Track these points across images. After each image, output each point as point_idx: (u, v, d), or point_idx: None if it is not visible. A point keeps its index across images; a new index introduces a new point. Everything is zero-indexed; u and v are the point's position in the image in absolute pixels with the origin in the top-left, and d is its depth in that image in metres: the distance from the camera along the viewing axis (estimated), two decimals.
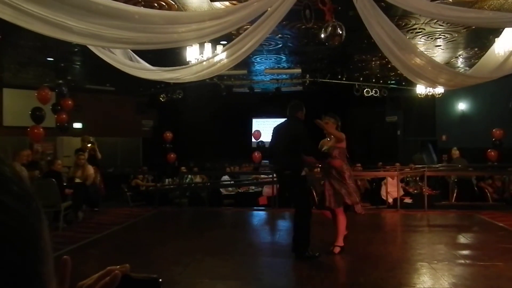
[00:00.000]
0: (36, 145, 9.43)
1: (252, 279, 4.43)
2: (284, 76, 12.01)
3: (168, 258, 5.03)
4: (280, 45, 8.51)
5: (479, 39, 7.60)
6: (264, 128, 15.82)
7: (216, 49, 6.24)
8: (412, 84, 10.85)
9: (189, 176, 11.29)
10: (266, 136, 14.86)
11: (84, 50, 6.96)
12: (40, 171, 7.99)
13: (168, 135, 13.08)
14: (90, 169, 8.07)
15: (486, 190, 10.02)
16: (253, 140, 14.08)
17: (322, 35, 4.78)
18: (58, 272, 0.54)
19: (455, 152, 10.70)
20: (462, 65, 9.96)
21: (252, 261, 5.12)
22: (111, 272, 0.59)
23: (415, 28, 7.11)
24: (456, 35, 7.53)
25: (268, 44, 8.38)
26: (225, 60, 5.55)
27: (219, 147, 14.04)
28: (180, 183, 10.91)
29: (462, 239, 6.20)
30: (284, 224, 7.56)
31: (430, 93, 11.00)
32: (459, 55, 9.16)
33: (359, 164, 11.09)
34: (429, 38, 7.73)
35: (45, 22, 3.46)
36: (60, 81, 11.24)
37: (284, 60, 10.01)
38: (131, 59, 5.76)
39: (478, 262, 4.85)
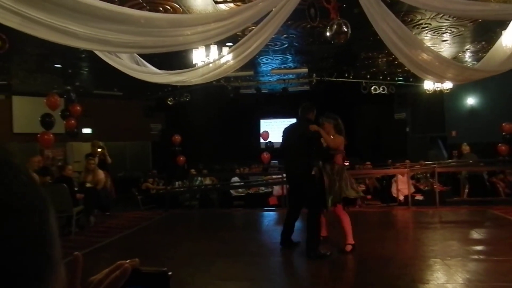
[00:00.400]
0: (47, 151, 9.53)
1: (264, 280, 4.42)
2: (291, 76, 12.00)
3: (179, 260, 5.05)
4: (286, 45, 8.51)
5: (486, 32, 7.52)
6: (272, 128, 15.82)
7: (222, 51, 6.26)
8: (420, 80, 10.78)
9: (199, 178, 11.32)
10: (274, 137, 14.87)
11: (91, 56, 7.03)
12: (51, 177, 8.07)
13: (177, 138, 13.13)
14: (101, 174, 8.14)
15: (498, 185, 9.92)
16: (262, 140, 14.08)
17: (328, 33, 4.77)
18: (70, 269, 0.55)
19: (465, 148, 10.60)
20: (469, 59, 9.86)
21: (263, 262, 5.11)
22: (121, 266, 0.59)
23: (421, 24, 7.06)
24: (463, 29, 7.47)
25: (274, 45, 8.38)
26: (231, 61, 5.56)
27: (228, 149, 14.07)
28: (190, 186, 10.95)
29: (475, 234, 6.13)
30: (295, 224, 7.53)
31: (438, 89, 10.92)
32: (466, 49, 9.07)
33: (368, 162, 11.05)
34: (435, 33, 7.67)
35: (52, 29, 3.50)
36: (68, 87, 11.35)
37: (290, 60, 10.00)
38: (137, 63, 5.79)
39: (492, 258, 4.80)
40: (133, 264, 0.61)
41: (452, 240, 5.65)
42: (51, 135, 8.80)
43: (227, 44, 6.55)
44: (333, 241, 5.33)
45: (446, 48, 8.77)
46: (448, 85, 10.35)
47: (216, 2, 5.70)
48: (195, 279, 4.30)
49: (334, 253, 4.97)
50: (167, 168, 12.52)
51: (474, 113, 12.50)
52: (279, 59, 9.90)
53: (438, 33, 7.68)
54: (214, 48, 6.57)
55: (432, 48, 6.86)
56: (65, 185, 6.76)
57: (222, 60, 5.77)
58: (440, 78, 6.77)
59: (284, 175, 9.59)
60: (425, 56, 5.32)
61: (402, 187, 8.95)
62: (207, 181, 11.20)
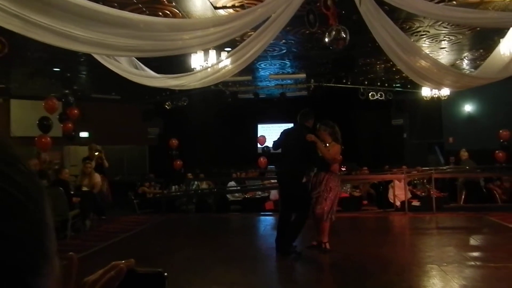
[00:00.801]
0: (44, 154, 9.49)
1: (262, 285, 4.41)
2: (289, 81, 12.03)
3: (176, 265, 5.03)
4: (284, 51, 8.53)
5: (484, 40, 7.57)
6: (270, 133, 15.81)
7: (220, 56, 6.28)
8: (418, 87, 10.82)
9: (196, 182, 11.30)
10: (272, 141, 14.89)
11: (89, 60, 7.02)
12: (47, 180, 8.04)
13: (174, 142, 13.11)
14: (97, 177, 8.12)
15: (495, 192, 9.94)
16: (259, 145, 14.09)
17: (326, 39, 4.79)
18: (65, 269, 0.54)
19: (464, 154, 10.62)
20: (467, 67, 9.92)
21: (261, 267, 5.11)
22: (116, 266, 0.59)
23: (419, 31, 7.10)
24: (461, 37, 7.51)
25: (272, 50, 8.40)
26: (230, 66, 5.57)
27: (225, 153, 14.07)
28: (186, 190, 10.93)
29: (472, 241, 6.14)
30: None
31: (436, 96, 10.97)
32: (464, 57, 9.13)
33: (366, 168, 11.07)
34: (433, 41, 7.71)
35: (52, 32, 3.50)
36: (67, 91, 11.35)
37: (288, 65, 10.03)
38: (136, 67, 5.80)
39: (489, 264, 4.80)
40: (128, 265, 0.60)
41: (448, 246, 5.66)
42: (49, 139, 8.78)
43: (226, 49, 6.57)
44: (337, 249, 5.33)
45: (444, 56, 8.82)
46: (445, 91, 10.41)
47: (216, 8, 5.73)
48: (193, 284, 4.29)
49: (332, 258, 4.98)
50: (164, 172, 12.50)
51: (471, 120, 12.56)
52: (277, 64, 9.92)
53: (436, 41, 7.73)
54: (212, 53, 6.60)
55: (430, 55, 6.89)
56: (61, 188, 6.74)
57: (221, 65, 5.79)
58: (438, 85, 6.82)
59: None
60: (423, 62, 5.36)
61: (399, 192, 8.96)
62: (204, 185, 11.19)
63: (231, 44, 5.86)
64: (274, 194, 9.91)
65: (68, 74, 10.20)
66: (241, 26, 4.33)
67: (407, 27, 6.76)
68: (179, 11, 5.78)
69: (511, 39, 5.15)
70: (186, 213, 9.81)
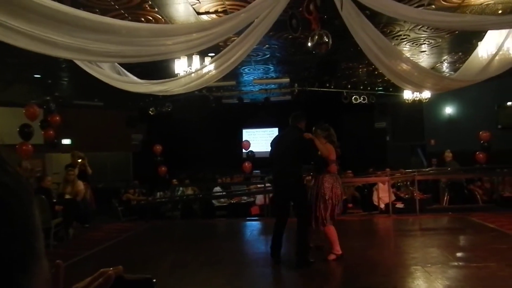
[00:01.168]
0: (25, 162, 9.31)
1: None
2: (273, 86, 12.08)
3: (162, 271, 4.98)
4: (268, 55, 8.57)
5: (463, 43, 7.74)
6: (255, 138, 15.86)
7: (204, 61, 6.27)
8: (400, 90, 10.99)
9: (181, 188, 11.23)
10: (257, 146, 14.90)
11: (71, 66, 6.94)
12: None
13: (158, 148, 13.03)
14: (80, 185, 7.99)
15: (476, 192, 10.12)
16: (244, 150, 14.10)
17: (309, 44, 4.83)
18: (51, 276, 0.54)
19: (448, 155, 10.76)
20: (447, 70, 10.12)
21: (247, 271, 5.09)
22: (104, 274, 0.59)
23: (400, 35, 7.22)
24: (440, 40, 7.67)
25: (256, 55, 8.44)
26: (214, 71, 5.57)
27: (210, 159, 14.01)
28: (171, 196, 10.85)
29: (454, 241, 6.24)
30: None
31: (417, 98, 11.13)
32: (444, 60, 9.31)
33: (350, 171, 11.14)
34: (414, 44, 7.85)
35: (32, 38, 3.45)
36: (48, 98, 11.18)
37: (272, 70, 10.08)
38: (119, 73, 5.75)
39: (471, 264, 4.89)
40: (116, 272, 0.60)
41: (432, 247, 5.74)
42: (30, 146, 8.63)
43: (209, 54, 6.56)
44: (322, 252, 5.34)
45: (424, 59, 8.98)
46: (426, 94, 10.58)
47: (198, 13, 5.73)
48: None
49: (317, 261, 4.97)
50: (148, 179, 12.39)
51: (452, 122, 12.79)
52: (261, 69, 9.96)
53: (416, 44, 7.87)
54: (196, 58, 6.58)
55: (411, 58, 7.01)
56: (43, 196, 6.62)
57: (204, 70, 5.78)
58: (419, 88, 6.93)
59: (268, 184, 9.65)
60: (404, 66, 5.44)
61: (383, 195, 9.05)
62: (189, 191, 11.12)
63: (215, 49, 5.87)
64: (260, 199, 9.91)
65: (49, 81, 10.05)
66: (224, 31, 4.33)
67: (388, 31, 6.87)
68: (162, 17, 5.76)
69: (489, 42, 5.28)
70: (171, 220, 9.73)
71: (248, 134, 15.90)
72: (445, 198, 10.26)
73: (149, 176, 12.66)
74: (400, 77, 5.62)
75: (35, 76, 9.44)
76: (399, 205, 9.22)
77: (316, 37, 4.75)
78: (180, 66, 6.64)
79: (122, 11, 5.47)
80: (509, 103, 11.57)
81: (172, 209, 10.21)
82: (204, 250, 6.15)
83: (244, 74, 10.42)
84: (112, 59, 4.62)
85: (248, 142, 13.26)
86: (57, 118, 10.24)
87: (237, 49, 4.90)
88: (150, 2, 5.34)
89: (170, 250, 6.35)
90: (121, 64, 5.66)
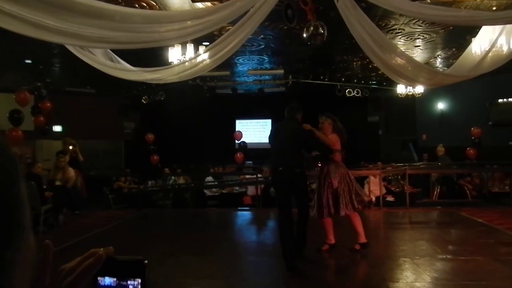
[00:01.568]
0: (15, 148, 9.23)
1: (238, 279, 4.42)
2: (267, 77, 12.05)
3: (152, 259, 4.92)
4: (263, 46, 8.54)
5: (457, 39, 7.76)
6: (248, 129, 15.84)
7: (198, 50, 6.23)
8: (393, 84, 11.03)
9: (173, 177, 11.21)
10: (250, 137, 14.89)
11: (63, 52, 6.85)
12: None
13: (150, 136, 12.96)
14: (71, 172, 7.94)
15: (466, 188, 10.23)
16: (236, 141, 14.10)
17: (304, 35, 4.82)
18: (41, 257, 0.54)
19: (440, 149, 10.84)
20: (440, 65, 10.16)
21: (238, 261, 5.12)
22: (94, 254, 0.58)
23: (395, 29, 7.23)
24: (435, 35, 7.68)
25: (251, 45, 8.40)
26: (208, 60, 5.53)
27: (202, 149, 14.00)
28: (163, 185, 10.83)
29: (443, 235, 6.31)
30: (269, 224, 7.58)
31: (410, 93, 11.19)
32: (438, 55, 9.34)
33: (342, 165, 11.18)
34: (408, 39, 7.86)
35: (23, 22, 3.39)
36: (39, 84, 11.04)
37: (266, 61, 10.04)
38: (111, 60, 5.69)
39: (459, 257, 4.95)
40: (107, 252, 0.59)
41: (421, 240, 5.80)
42: (20, 132, 8.54)
43: (204, 43, 6.52)
44: (312, 244, 5.36)
45: (418, 54, 9.00)
46: (419, 89, 10.64)
47: (193, 0, 5.67)
48: (169, 278, 4.26)
49: (315, 254, 5.01)
50: (140, 167, 12.35)
51: (444, 117, 12.87)
52: (256, 60, 9.92)
53: (411, 39, 7.88)
54: (190, 47, 6.53)
55: (406, 53, 7.02)
56: (33, 182, 6.57)
57: (198, 59, 5.74)
58: (413, 82, 6.95)
59: (259, 175, 9.66)
60: (398, 60, 5.45)
61: (374, 188, 9.11)
62: (181, 180, 11.11)
63: (209, 38, 5.84)
64: (251, 189, 9.94)
65: (41, 67, 9.93)
66: (219, 20, 4.30)
67: (383, 24, 6.87)
68: (156, 3, 5.70)
69: (483, 38, 5.29)
70: (162, 208, 9.72)
71: (241, 125, 15.87)
72: (435, 192, 10.36)
73: (141, 165, 12.62)
74: (394, 71, 5.62)
75: (26, 61, 9.32)
76: (390, 198, 9.30)
77: (312, 28, 4.74)
78: (174, 54, 6.60)
79: None
80: (500, 100, 11.67)
81: (163, 198, 10.19)
82: (195, 239, 6.16)
83: (238, 65, 10.38)
84: (105, 44, 4.56)
85: (240, 133, 13.25)
86: (48, 104, 10.12)
87: (231, 39, 4.86)
88: None
89: (160, 238, 6.35)
90: (114, 51, 5.59)
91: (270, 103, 13.80)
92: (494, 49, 5.27)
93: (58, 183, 7.69)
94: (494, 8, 5.85)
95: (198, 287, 4.18)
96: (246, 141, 13.48)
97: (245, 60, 9.87)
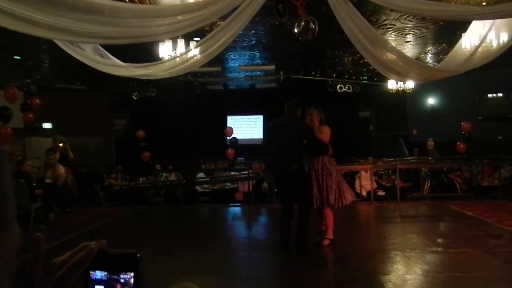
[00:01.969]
0: (4, 145, 9.11)
1: (230, 274, 4.42)
2: (258, 73, 12.03)
3: (144, 256, 4.94)
4: (254, 42, 8.52)
5: (447, 34, 7.82)
6: (239, 125, 15.84)
7: (189, 46, 6.19)
8: (384, 80, 11.08)
9: (164, 174, 11.17)
10: (241, 133, 14.89)
11: (52, 48, 6.77)
12: None
13: (140, 133, 12.89)
14: (61, 169, 7.88)
15: (456, 182, 10.34)
16: (227, 137, 14.08)
17: (296, 30, 4.82)
18: (32, 250, 0.53)
19: (430, 143, 10.98)
20: (431, 61, 10.22)
21: (230, 256, 5.12)
22: (86, 247, 0.58)
23: (386, 24, 7.25)
24: (425, 30, 7.73)
25: (242, 41, 8.38)
26: (198, 56, 5.51)
27: (194, 145, 13.96)
28: (154, 182, 10.79)
29: (433, 228, 6.38)
30: (260, 219, 7.59)
31: (401, 89, 11.25)
32: (428, 51, 9.40)
33: (333, 159, 11.23)
34: (399, 34, 7.90)
35: (11, 16, 3.35)
36: (28, 80, 10.92)
37: (258, 56, 10.03)
38: (101, 56, 5.64)
39: (449, 250, 5.01)
40: (99, 246, 0.59)
41: (412, 233, 5.85)
42: (9, 129, 8.45)
43: (195, 38, 6.49)
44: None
45: (409, 49, 9.05)
46: (410, 85, 10.70)
47: None
48: (162, 275, 4.25)
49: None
50: (131, 164, 12.29)
51: (434, 112, 12.98)
52: (247, 56, 9.90)
53: (401, 34, 7.91)
54: (181, 42, 6.49)
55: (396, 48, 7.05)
56: (22, 180, 6.51)
57: (189, 55, 5.72)
58: (403, 77, 6.99)
59: (250, 172, 9.67)
60: (389, 55, 5.47)
61: (365, 183, 9.18)
62: (173, 177, 11.07)
63: (200, 33, 5.81)
64: (243, 185, 9.94)
65: (30, 63, 9.81)
66: (210, 14, 4.27)
67: (374, 19, 6.89)
68: None
69: (473, 33, 5.34)
70: (154, 205, 9.69)
71: (232, 121, 15.86)
72: (426, 186, 10.46)
73: (132, 162, 12.55)
74: (385, 66, 5.65)
75: (15, 57, 9.20)
76: (381, 193, 9.37)
77: (303, 23, 4.74)
78: (165, 50, 6.55)
79: None
80: (489, 95, 11.79)
81: (155, 194, 10.15)
82: (187, 235, 6.15)
83: (229, 60, 10.34)
84: (94, 40, 4.52)
85: (231, 129, 13.23)
86: (37, 101, 10.02)
87: (222, 34, 4.84)
88: None
89: (152, 235, 6.33)
90: (104, 46, 5.55)
91: (261, 99, 13.81)
92: (484, 44, 5.32)
93: (48, 180, 7.63)
94: (484, 3, 5.89)
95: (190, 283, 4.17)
96: (238, 137, 13.46)
97: (236, 55, 9.84)
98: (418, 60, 8.78)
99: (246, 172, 9.79)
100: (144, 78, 7.62)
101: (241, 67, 11.00)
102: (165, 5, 5.71)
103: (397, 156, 10.86)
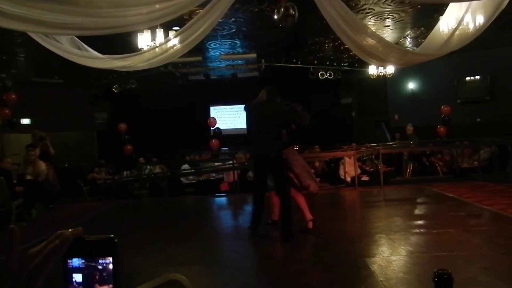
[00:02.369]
0: None
1: (216, 263, 4.43)
2: (240, 61, 11.96)
3: (129, 249, 4.91)
4: (234, 30, 8.45)
5: (425, 18, 7.87)
6: (222, 115, 15.75)
7: (168, 35, 6.10)
8: (365, 66, 11.14)
9: (148, 166, 11.08)
10: (225, 123, 14.83)
11: (27, 40, 6.60)
12: None
13: (122, 126, 12.73)
14: (42, 165, 7.73)
15: (437, 164, 10.54)
16: (211, 128, 14.01)
17: (275, 16, 4.80)
18: (8, 242, 0.53)
19: (409, 128, 11.15)
20: (410, 45, 10.31)
21: (216, 246, 5.12)
22: (61, 235, 0.57)
23: (365, 9, 7.27)
24: (404, 14, 7.77)
25: (222, 29, 8.30)
26: (178, 45, 5.44)
27: (177, 136, 13.85)
28: (138, 175, 10.70)
29: (416, 210, 6.51)
30: (246, 208, 7.60)
31: (382, 74, 11.33)
32: (407, 35, 9.47)
33: (317, 146, 11.32)
34: (378, 19, 7.93)
35: None
36: (3, 75, 10.63)
37: (238, 45, 9.95)
38: (79, 48, 5.51)
39: (432, 230, 5.12)
40: (75, 233, 0.58)
41: (395, 216, 5.96)
42: None
43: (174, 28, 6.39)
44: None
45: (388, 34, 9.09)
46: (390, 70, 10.78)
47: None
48: (147, 266, 4.23)
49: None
50: (114, 158, 12.14)
51: (414, 97, 13.12)
52: (228, 44, 9.82)
53: (380, 19, 7.95)
54: (160, 32, 6.38)
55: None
56: (2, 178, 6.37)
57: (169, 44, 5.63)
58: (383, 62, 7.04)
59: (234, 162, 9.66)
60: (369, 40, 5.49)
61: (349, 169, 9.27)
62: (157, 169, 10.99)
63: (179, 22, 5.72)
64: (228, 175, 9.93)
65: (4, 57, 9.54)
66: (188, 2, 4.21)
67: (353, 4, 6.89)
68: None
69: (450, 16, 5.38)
70: (138, 198, 9.62)
71: (215, 111, 15.76)
72: (408, 170, 10.63)
73: (115, 155, 12.40)
74: (365, 52, 5.67)
75: None
76: (365, 178, 9.48)
77: (282, 9, 4.71)
78: (143, 40, 6.43)
79: None
80: (467, 78, 11.97)
81: (139, 187, 10.07)
82: (173, 227, 6.14)
83: (210, 49, 10.24)
84: (69, 31, 4.40)
85: (214, 119, 13.16)
86: (13, 96, 9.78)
87: (202, 22, 4.78)
88: None
89: (137, 228, 6.28)
90: (81, 38, 5.42)
91: (243, 89, 13.72)
92: (460, 27, 5.37)
93: (29, 177, 7.48)
94: None
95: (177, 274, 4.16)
96: (221, 127, 13.41)
97: (217, 44, 9.75)
98: (397, 45, 8.85)
99: (231, 162, 9.77)
100: (123, 70, 7.48)
101: (222, 56, 10.90)
102: None
103: (379, 141, 10.99)
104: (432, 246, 4.47)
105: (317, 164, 10.33)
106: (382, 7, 7.24)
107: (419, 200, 7.38)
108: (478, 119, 11.63)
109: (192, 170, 10.83)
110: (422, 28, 8.70)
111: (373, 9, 7.32)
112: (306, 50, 10.84)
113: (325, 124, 15.12)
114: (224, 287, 3.79)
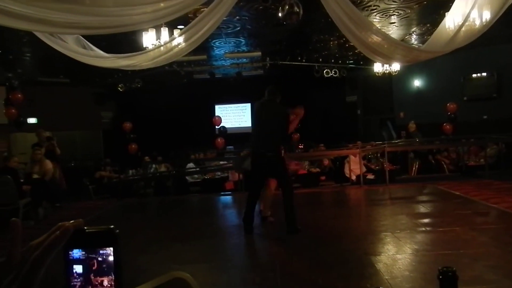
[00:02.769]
0: None
1: (221, 261, 4.44)
2: (244, 60, 11.95)
3: (135, 248, 4.94)
4: (239, 28, 8.44)
5: (431, 14, 7.82)
6: (227, 114, 15.77)
7: (173, 34, 6.11)
8: (370, 63, 11.09)
9: (154, 165, 11.11)
10: (230, 122, 14.84)
11: (33, 40, 6.63)
12: None
13: (127, 125, 12.75)
14: (48, 164, 7.78)
15: (443, 162, 10.47)
16: (216, 126, 14.02)
17: (280, 14, 4.79)
18: (10, 236, 0.53)
19: (412, 126, 11.08)
20: (416, 42, 10.24)
21: (221, 244, 5.13)
22: (61, 227, 0.57)
23: (370, 5, 7.23)
24: (409, 11, 7.72)
25: (226, 27, 8.29)
26: (183, 44, 5.44)
27: (182, 135, 13.89)
28: (144, 173, 10.73)
29: (422, 208, 6.47)
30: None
31: (387, 71, 11.27)
32: (413, 32, 9.41)
33: (322, 144, 11.31)
34: (383, 15, 7.89)
35: None
36: (10, 75, 10.71)
37: (243, 43, 9.95)
38: (84, 47, 5.54)
39: (437, 229, 5.09)
40: (76, 225, 0.59)
41: (401, 214, 5.93)
42: None
43: (179, 26, 6.40)
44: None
45: (394, 31, 9.05)
46: (396, 67, 10.72)
47: None
48: (152, 264, 4.25)
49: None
50: (119, 157, 12.19)
51: (420, 94, 13.05)
52: (232, 43, 9.82)
53: (386, 15, 7.90)
54: (165, 31, 6.40)
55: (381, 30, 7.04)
56: (9, 176, 6.42)
57: (174, 43, 5.63)
58: (389, 59, 6.99)
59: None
60: (374, 38, 5.46)
61: (354, 167, 9.24)
62: (162, 168, 11.02)
63: (184, 21, 5.72)
64: (234, 174, 9.94)
65: (11, 57, 9.60)
66: (193, 1, 4.21)
67: (358, 1, 6.86)
68: None
69: (456, 12, 5.33)
70: (144, 197, 9.65)
71: (220, 110, 15.78)
72: (414, 168, 10.58)
73: (120, 154, 12.45)
74: (371, 49, 5.64)
75: None
76: (370, 176, 9.45)
77: (287, 7, 4.70)
78: (148, 39, 6.45)
79: None
80: (474, 75, 11.88)
81: (144, 186, 10.10)
82: (178, 225, 6.15)
83: (215, 48, 10.25)
84: (75, 30, 4.41)
85: (219, 118, 13.17)
86: (19, 96, 9.82)
87: (206, 20, 4.78)
88: None
89: (143, 226, 6.31)
90: (86, 37, 5.44)
91: (248, 87, 13.72)
92: (467, 23, 5.33)
93: (35, 176, 7.53)
94: None
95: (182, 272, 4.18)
96: (226, 126, 13.41)
97: (222, 43, 9.75)
98: (403, 42, 8.80)
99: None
100: (128, 69, 7.49)
101: (227, 54, 10.91)
102: None
103: (385, 139, 10.95)
104: (438, 244, 4.45)
105: (326, 162, 10.33)
106: (387, 4, 7.20)
107: (424, 198, 7.34)
108: (485, 117, 11.55)
109: (197, 169, 10.86)
110: (428, 25, 8.65)
111: (378, 6, 7.28)
112: (311, 48, 10.81)
113: (330, 122, 15.11)
114: (229, 285, 3.80)
